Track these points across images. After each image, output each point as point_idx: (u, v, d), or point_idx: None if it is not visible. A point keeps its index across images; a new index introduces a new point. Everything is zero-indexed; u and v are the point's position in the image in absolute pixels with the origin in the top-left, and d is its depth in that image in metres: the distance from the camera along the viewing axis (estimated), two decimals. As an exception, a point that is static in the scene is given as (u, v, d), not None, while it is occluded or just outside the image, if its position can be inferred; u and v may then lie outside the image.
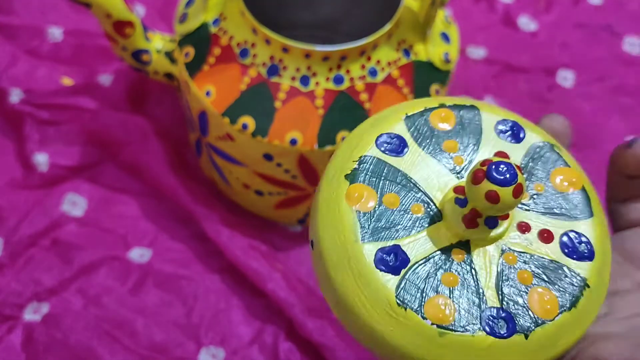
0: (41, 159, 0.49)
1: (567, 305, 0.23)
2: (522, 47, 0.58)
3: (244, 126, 0.39)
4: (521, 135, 0.26)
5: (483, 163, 0.22)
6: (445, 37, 0.43)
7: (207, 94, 0.40)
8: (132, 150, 0.49)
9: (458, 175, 0.25)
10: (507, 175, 0.21)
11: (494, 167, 0.21)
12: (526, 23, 0.59)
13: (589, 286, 0.23)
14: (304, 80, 0.39)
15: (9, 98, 0.51)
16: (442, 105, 0.26)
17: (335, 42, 0.50)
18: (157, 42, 0.43)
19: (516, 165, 0.22)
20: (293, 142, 0.39)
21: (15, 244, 0.46)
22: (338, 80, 0.39)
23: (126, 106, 0.51)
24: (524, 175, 0.25)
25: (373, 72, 0.40)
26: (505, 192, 0.21)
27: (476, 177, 0.22)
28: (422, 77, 0.41)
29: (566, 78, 0.57)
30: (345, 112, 0.39)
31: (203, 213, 0.47)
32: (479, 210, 0.23)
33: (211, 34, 0.41)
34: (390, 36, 0.40)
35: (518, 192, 0.22)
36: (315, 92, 0.39)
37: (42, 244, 0.47)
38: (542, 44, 0.58)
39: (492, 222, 0.23)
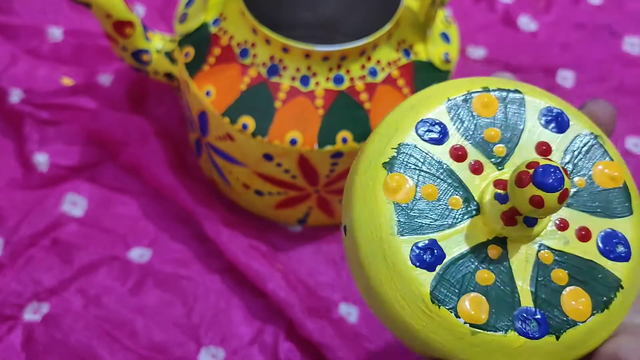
0: (41, 159, 0.49)
1: (600, 307, 0.23)
2: (522, 47, 0.58)
3: (244, 126, 0.39)
4: (565, 125, 0.25)
5: (529, 165, 0.21)
6: (445, 37, 0.43)
7: (207, 94, 0.40)
8: (132, 150, 0.49)
9: (499, 166, 0.24)
10: (554, 181, 0.21)
11: (541, 171, 0.21)
12: (526, 23, 0.59)
13: (622, 287, 0.23)
14: (304, 80, 0.39)
15: (9, 98, 0.51)
16: (485, 89, 0.25)
17: (335, 42, 0.50)
18: (157, 42, 0.43)
19: (563, 169, 0.21)
20: (293, 142, 0.39)
21: (15, 244, 0.46)
22: (338, 80, 0.39)
23: (126, 106, 0.51)
24: (568, 171, 0.24)
25: (373, 72, 0.40)
26: (551, 198, 0.21)
27: (521, 180, 0.21)
28: (422, 77, 0.41)
29: (566, 78, 0.57)
30: (345, 112, 0.39)
31: (203, 213, 0.46)
32: (519, 210, 0.22)
33: (211, 34, 0.41)
34: (390, 36, 0.40)
35: (563, 198, 0.21)
36: (315, 92, 0.39)
37: (42, 244, 0.47)
38: (542, 44, 0.58)
39: (532, 221, 0.23)
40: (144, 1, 0.57)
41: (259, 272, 0.45)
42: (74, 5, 0.55)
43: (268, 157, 0.41)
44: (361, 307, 0.46)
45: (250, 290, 0.46)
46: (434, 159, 0.24)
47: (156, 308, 0.45)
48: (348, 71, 0.39)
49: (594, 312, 0.23)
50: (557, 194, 0.21)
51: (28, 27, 0.54)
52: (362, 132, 0.39)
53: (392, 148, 0.24)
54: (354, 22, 0.51)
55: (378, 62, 0.40)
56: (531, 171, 0.21)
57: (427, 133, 0.24)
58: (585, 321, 0.23)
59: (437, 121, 0.24)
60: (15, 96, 0.51)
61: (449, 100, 0.25)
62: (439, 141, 0.24)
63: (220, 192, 0.50)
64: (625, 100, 0.56)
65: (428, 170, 0.24)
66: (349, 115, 0.39)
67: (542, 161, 0.21)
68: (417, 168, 0.23)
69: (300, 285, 0.46)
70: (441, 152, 0.24)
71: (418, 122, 0.24)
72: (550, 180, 0.21)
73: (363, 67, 0.39)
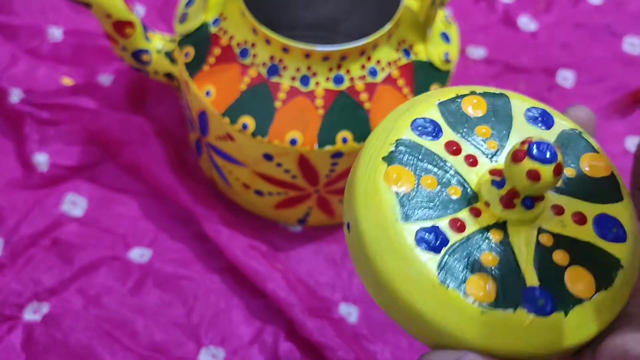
0: (41, 159, 0.49)
1: (604, 285, 0.23)
2: (522, 47, 0.58)
3: (244, 126, 0.39)
4: (550, 122, 0.26)
5: (523, 142, 0.22)
6: (445, 37, 0.43)
7: (207, 94, 0.40)
8: (132, 150, 0.49)
9: (492, 159, 0.25)
10: (548, 154, 0.22)
11: (535, 145, 0.22)
12: (526, 23, 0.59)
13: (622, 267, 0.24)
14: (304, 80, 0.39)
15: (9, 98, 0.51)
16: (472, 93, 0.27)
17: (335, 42, 0.50)
18: (157, 42, 0.43)
19: (555, 145, 0.22)
20: (293, 142, 0.39)
21: (15, 244, 0.46)
22: (338, 80, 0.39)
23: (126, 106, 0.51)
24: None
25: (373, 72, 0.40)
26: (546, 170, 0.22)
27: (517, 156, 0.22)
28: (422, 77, 0.41)
29: (566, 78, 0.57)
30: (345, 112, 0.39)
31: (203, 213, 0.47)
32: (517, 189, 0.23)
33: (211, 34, 0.41)
34: (390, 36, 0.40)
35: (558, 171, 0.22)
36: (315, 92, 0.39)
37: (42, 244, 0.47)
38: (542, 44, 0.58)
39: (529, 203, 0.24)
40: (144, 1, 0.57)
41: (258, 272, 0.45)
42: (74, 5, 0.55)
43: (268, 157, 0.41)
44: (361, 307, 0.46)
45: (250, 290, 0.46)
46: (431, 152, 0.25)
47: (156, 308, 0.45)
48: (348, 71, 0.39)
49: (598, 289, 0.23)
50: (552, 165, 0.22)
51: (28, 27, 0.54)
52: (362, 132, 0.39)
53: (390, 143, 0.25)
54: (354, 22, 0.51)
55: (378, 62, 0.40)
56: (525, 147, 0.22)
57: (422, 130, 0.25)
58: (590, 298, 0.23)
59: (430, 119, 0.26)
60: (15, 96, 0.51)
61: (439, 102, 0.26)
62: (434, 137, 0.25)
63: (220, 192, 0.50)
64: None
65: (426, 163, 0.24)
66: (349, 115, 0.39)
67: (536, 138, 0.22)
68: (416, 161, 0.24)
69: (300, 285, 0.46)
70: (437, 147, 0.25)
71: (413, 121, 0.25)
72: (545, 153, 0.22)
73: (363, 67, 0.39)
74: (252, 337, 0.45)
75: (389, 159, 0.24)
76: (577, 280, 0.23)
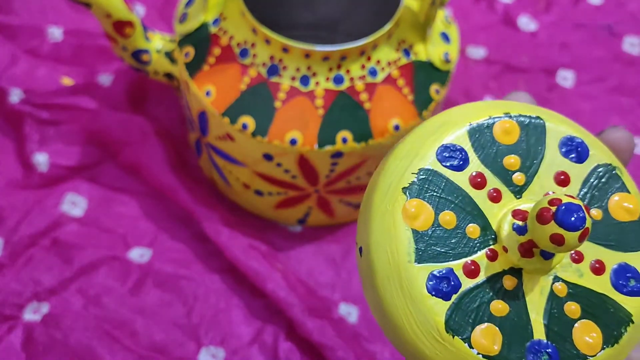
0: (41, 159, 0.49)
1: (611, 342, 0.23)
2: (522, 47, 0.58)
3: (244, 126, 0.39)
4: (585, 154, 0.25)
5: (552, 202, 0.21)
6: (445, 37, 0.43)
7: (207, 94, 0.40)
8: (132, 150, 0.49)
9: (517, 195, 0.24)
10: (576, 220, 0.21)
11: (563, 209, 0.21)
12: (526, 23, 0.59)
13: (633, 322, 0.23)
14: (304, 80, 0.39)
15: (9, 98, 0.51)
16: (507, 115, 0.25)
17: (335, 42, 0.50)
18: (157, 42, 0.43)
19: (585, 207, 0.21)
20: (293, 142, 0.39)
21: (15, 244, 0.46)
22: (338, 80, 0.39)
23: (126, 106, 0.51)
24: (585, 202, 0.25)
25: (373, 72, 0.40)
26: (571, 237, 0.21)
27: (543, 217, 0.21)
28: (422, 77, 0.41)
29: (566, 78, 0.57)
30: (345, 112, 0.39)
31: (203, 213, 0.46)
32: (537, 244, 0.22)
33: (211, 34, 0.41)
34: (390, 36, 0.40)
35: (584, 237, 0.21)
36: (315, 92, 0.39)
37: (42, 244, 0.47)
38: (542, 44, 0.58)
39: (549, 255, 0.23)
40: (144, 1, 0.57)
41: (258, 272, 0.45)
42: (74, 5, 0.55)
43: (268, 157, 0.41)
44: (361, 307, 0.46)
45: (250, 290, 0.46)
46: (453, 186, 0.24)
47: (156, 308, 0.45)
48: (348, 71, 0.39)
49: (604, 346, 0.23)
50: (578, 233, 0.21)
51: (28, 27, 0.54)
52: (362, 132, 0.39)
53: (412, 173, 0.24)
54: (354, 22, 0.51)
55: (378, 62, 0.40)
56: (553, 208, 0.21)
57: (448, 159, 0.24)
58: (595, 355, 0.23)
59: (458, 147, 0.24)
60: (15, 96, 0.51)
61: (470, 125, 0.25)
62: (459, 168, 0.24)
63: (220, 192, 0.50)
64: (625, 100, 0.56)
65: (447, 197, 0.24)
66: (349, 115, 0.39)
67: (565, 199, 0.21)
68: (437, 194, 0.23)
69: (300, 285, 0.46)
70: (461, 179, 0.24)
71: (439, 147, 0.24)
72: (573, 219, 0.21)
73: (363, 67, 0.39)
74: (252, 337, 0.45)
75: (410, 190, 0.23)
76: (586, 335, 0.23)
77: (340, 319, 0.45)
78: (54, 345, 0.43)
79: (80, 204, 0.48)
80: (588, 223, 0.21)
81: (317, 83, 0.39)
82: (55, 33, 0.54)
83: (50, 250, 0.46)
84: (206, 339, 0.44)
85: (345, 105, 0.39)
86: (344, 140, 0.39)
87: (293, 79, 0.39)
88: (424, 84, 0.41)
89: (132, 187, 0.49)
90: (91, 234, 0.47)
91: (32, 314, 0.44)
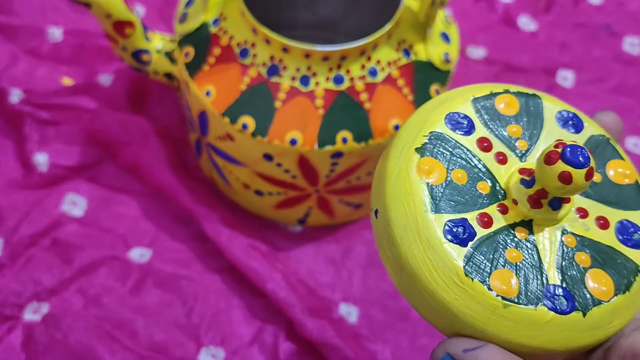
0: (41, 159, 0.49)
1: (622, 289, 0.24)
2: (522, 47, 0.58)
3: (244, 126, 0.39)
4: (580, 126, 0.27)
5: (557, 145, 0.23)
6: (445, 37, 0.43)
7: (207, 94, 0.40)
8: (132, 150, 0.49)
9: (521, 158, 0.26)
10: (581, 158, 0.22)
11: (569, 149, 0.22)
12: (526, 23, 0.59)
13: None
14: (304, 80, 0.39)
15: (9, 98, 0.51)
16: (506, 91, 0.27)
17: (335, 42, 0.50)
18: (157, 42, 0.43)
19: (588, 150, 0.23)
20: (293, 142, 0.39)
21: (15, 244, 0.46)
22: (338, 80, 0.39)
23: (126, 106, 0.51)
24: None
25: (373, 72, 0.40)
26: (578, 174, 0.22)
27: (550, 158, 0.23)
28: (422, 77, 0.41)
29: (566, 78, 0.57)
30: (345, 112, 0.39)
31: (203, 213, 0.47)
32: (547, 190, 0.23)
33: (211, 34, 0.41)
34: (390, 36, 0.40)
35: (590, 175, 0.22)
36: (315, 92, 0.39)
37: (42, 244, 0.47)
38: (542, 44, 0.58)
39: (556, 204, 0.24)
40: (144, 1, 0.57)
41: (258, 272, 0.45)
42: (74, 5, 0.55)
43: (268, 157, 0.41)
44: (361, 307, 0.46)
45: (250, 290, 0.46)
46: (462, 147, 0.25)
47: (156, 308, 0.45)
48: (348, 71, 0.39)
49: (617, 292, 0.24)
50: (584, 170, 0.22)
51: (28, 27, 0.54)
52: (362, 132, 0.39)
53: (424, 135, 0.25)
54: (354, 22, 0.51)
55: (378, 62, 0.40)
56: (560, 149, 0.22)
57: (455, 125, 0.26)
58: (609, 301, 0.24)
59: (463, 115, 0.26)
60: (15, 96, 0.51)
61: (474, 97, 0.26)
62: (466, 132, 0.26)
63: (220, 192, 0.50)
64: (625, 100, 0.56)
65: (457, 157, 0.25)
66: (349, 115, 0.39)
67: (569, 141, 0.23)
68: (448, 154, 0.25)
69: (300, 285, 0.46)
70: (469, 142, 0.25)
71: (447, 115, 0.26)
72: (579, 157, 0.22)
73: (363, 67, 0.39)
74: (252, 337, 0.45)
75: (422, 150, 0.25)
76: (597, 282, 0.24)
77: (340, 319, 0.45)
78: (54, 345, 0.43)
79: (80, 204, 0.48)
80: (592, 163, 0.22)
81: (317, 83, 0.39)
82: (55, 33, 0.54)
83: (50, 250, 0.46)
84: (206, 339, 0.44)
85: (345, 105, 0.39)
86: (344, 140, 0.39)
87: (293, 79, 0.39)
88: (424, 84, 0.41)
89: (132, 187, 0.49)
90: (91, 234, 0.47)
91: (32, 314, 0.44)
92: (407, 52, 0.41)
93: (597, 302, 0.24)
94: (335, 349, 0.43)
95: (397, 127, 0.40)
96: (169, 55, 0.43)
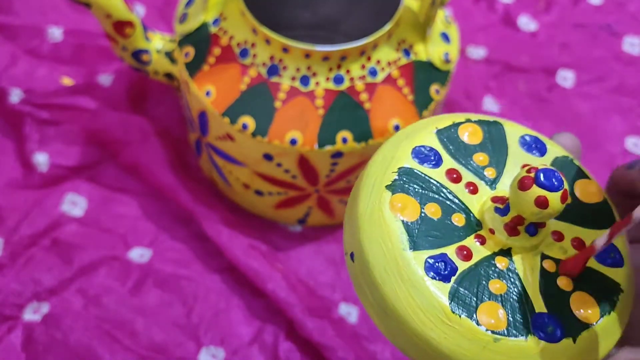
0: (41, 159, 0.49)
1: (607, 309, 0.24)
2: (522, 47, 0.58)
3: (244, 126, 0.39)
4: (544, 149, 0.27)
5: (529, 170, 0.22)
6: (445, 37, 0.43)
7: (207, 94, 0.40)
8: (132, 150, 0.49)
9: (492, 186, 0.25)
10: (555, 181, 0.22)
11: (542, 173, 0.22)
12: (526, 23, 0.59)
13: (622, 291, 0.24)
14: (304, 80, 0.39)
15: (9, 98, 0.51)
16: (468, 120, 0.27)
17: (335, 42, 0.50)
18: (157, 42, 0.43)
19: (561, 172, 0.22)
20: (293, 142, 0.39)
21: (15, 244, 0.46)
22: (338, 80, 0.39)
23: (126, 106, 0.51)
24: None
25: (373, 72, 0.40)
26: (554, 197, 0.22)
27: (524, 184, 0.22)
28: (422, 77, 0.41)
29: (566, 78, 0.57)
30: (345, 112, 0.39)
31: (203, 213, 0.47)
32: (523, 216, 0.23)
33: (211, 34, 0.41)
34: (390, 36, 0.40)
35: (564, 198, 0.22)
36: (315, 92, 0.39)
37: (42, 244, 0.47)
38: (542, 44, 0.58)
39: (532, 230, 0.24)
40: (144, 1, 0.57)
41: (258, 272, 0.45)
42: (74, 5, 0.55)
43: (268, 157, 0.41)
44: (361, 307, 0.46)
45: (250, 290, 0.46)
46: (432, 181, 0.25)
47: (156, 308, 0.45)
48: (348, 71, 0.39)
49: (602, 314, 0.24)
50: (559, 193, 0.22)
51: (28, 27, 0.54)
52: (362, 132, 0.39)
53: (393, 172, 0.25)
54: (354, 22, 0.51)
55: (378, 62, 0.40)
56: (532, 174, 0.22)
57: (423, 159, 0.25)
58: (596, 323, 0.23)
59: (429, 147, 0.26)
60: (15, 96, 0.51)
61: (437, 129, 0.26)
62: (435, 165, 0.25)
63: (220, 192, 0.50)
64: (625, 100, 0.56)
65: (429, 191, 0.24)
66: (349, 115, 0.39)
67: (541, 166, 0.22)
68: (419, 189, 0.24)
69: (300, 285, 0.46)
70: (438, 175, 0.25)
71: (413, 149, 0.25)
72: (553, 180, 0.22)
73: (363, 67, 0.39)
74: (252, 337, 0.45)
75: (393, 187, 0.24)
76: (582, 305, 0.24)
77: (340, 319, 0.45)
78: (54, 345, 0.43)
79: (80, 204, 0.48)
80: (565, 185, 0.22)
81: (317, 83, 0.39)
82: (55, 33, 0.54)
83: (50, 250, 0.46)
84: (206, 339, 0.44)
85: (345, 105, 0.39)
86: (344, 140, 0.39)
87: (293, 79, 0.39)
88: (424, 84, 0.41)
89: (132, 187, 0.49)
90: (91, 234, 0.47)
91: (32, 314, 0.44)
92: (407, 52, 0.41)
93: (585, 326, 0.23)
94: (335, 349, 0.43)
95: (397, 127, 0.40)
96: (169, 55, 0.43)
